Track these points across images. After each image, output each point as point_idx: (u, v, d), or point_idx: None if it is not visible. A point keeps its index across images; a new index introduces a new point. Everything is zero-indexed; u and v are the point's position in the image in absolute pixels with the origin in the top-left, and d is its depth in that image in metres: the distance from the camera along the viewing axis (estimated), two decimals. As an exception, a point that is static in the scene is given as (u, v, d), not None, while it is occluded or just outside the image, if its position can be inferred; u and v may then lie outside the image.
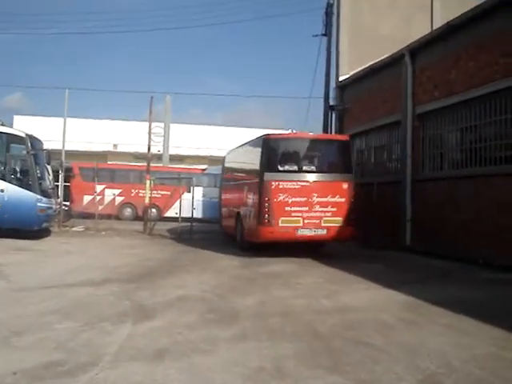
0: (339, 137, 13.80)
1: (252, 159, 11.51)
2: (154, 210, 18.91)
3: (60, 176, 17.19)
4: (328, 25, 16.72)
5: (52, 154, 14.15)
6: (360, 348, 4.35)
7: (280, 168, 10.66)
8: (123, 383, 3.50)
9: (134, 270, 8.51)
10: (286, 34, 77.48)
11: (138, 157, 26.82)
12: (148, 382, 3.52)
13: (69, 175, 20.64)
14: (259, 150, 10.93)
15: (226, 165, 15.37)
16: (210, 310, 5.65)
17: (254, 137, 11.95)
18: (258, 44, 78.39)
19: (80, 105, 50.89)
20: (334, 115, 16.74)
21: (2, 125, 13.26)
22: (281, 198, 10.34)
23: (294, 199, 10.37)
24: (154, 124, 17.46)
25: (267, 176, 10.47)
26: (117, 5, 71.70)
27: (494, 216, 9.47)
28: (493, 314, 5.58)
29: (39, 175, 12.71)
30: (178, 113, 62.56)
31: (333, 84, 16.77)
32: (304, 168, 10.85)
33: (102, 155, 29.48)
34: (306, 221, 10.37)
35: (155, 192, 18.40)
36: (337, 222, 10.50)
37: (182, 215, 16.81)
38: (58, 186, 16.09)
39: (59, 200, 15.95)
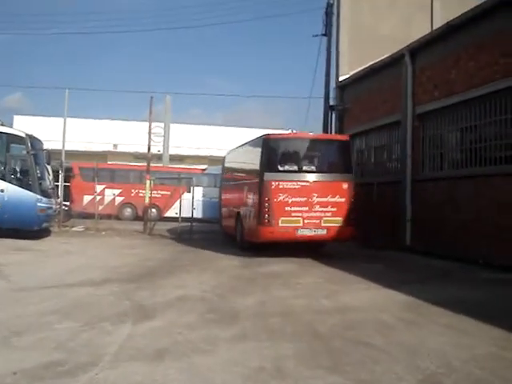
0: (339, 137, 13.79)
1: (252, 159, 11.50)
2: (153, 210, 18.91)
3: (60, 176, 17.18)
4: (328, 25, 16.71)
5: (52, 154, 14.15)
6: (360, 348, 4.35)
7: (280, 168, 10.66)
8: (123, 383, 3.50)
9: (134, 269, 8.51)
10: (286, 34, 77.54)
11: (138, 157, 26.82)
12: (148, 382, 3.52)
13: (69, 175, 20.64)
14: (259, 149, 10.93)
15: (226, 165, 15.37)
16: (210, 309, 5.65)
17: (254, 137, 11.94)
18: (257, 44, 78.45)
19: (80, 105, 50.95)
20: (334, 115, 16.73)
21: (2, 125, 13.25)
22: (281, 197, 10.33)
23: (293, 199, 10.36)
24: (153, 124, 17.45)
25: (267, 176, 10.47)
26: (117, 5, 71.76)
27: (494, 216, 9.47)
28: (493, 314, 5.58)
29: (39, 175, 12.71)
30: (178, 113, 62.68)
31: (333, 84, 16.77)
32: (304, 168, 10.85)
33: (102, 155, 29.47)
34: (306, 221, 10.37)
35: (155, 192, 18.41)
36: (337, 221, 10.50)
37: (182, 215, 16.82)
38: (58, 185, 16.06)
39: (59, 200, 15.94)
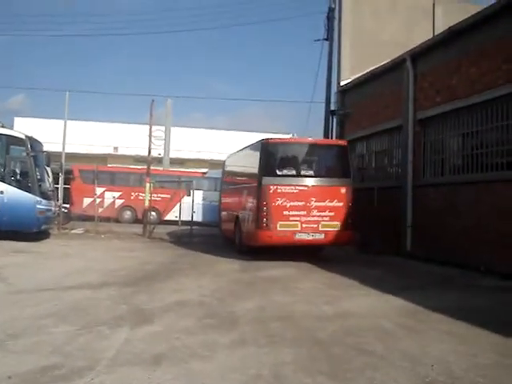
0: (337, 142, 13.85)
1: (251, 163, 11.52)
2: (153, 213, 18.88)
3: (60, 178, 17.16)
4: (330, 29, 16.72)
5: (52, 157, 14.14)
6: (360, 355, 4.30)
7: (278, 172, 10.69)
8: (119, 388, 3.46)
9: (132, 273, 8.47)
10: (287, 38, 77.72)
11: (138, 160, 26.73)
12: (144, 387, 3.47)
13: (69, 177, 20.63)
14: (258, 154, 10.96)
15: (226, 169, 15.39)
16: (208, 314, 5.60)
17: (254, 141, 11.94)
18: (259, 48, 78.57)
19: (81, 107, 51.01)
20: (334, 120, 16.71)
21: (2, 126, 13.24)
22: (279, 202, 10.36)
23: (292, 203, 10.39)
24: (154, 127, 17.46)
25: (265, 180, 10.49)
26: (119, 7, 71.93)
27: (495, 222, 9.42)
28: (493, 321, 5.53)
29: (39, 177, 12.69)
30: (178, 116, 62.59)
31: (334, 89, 16.76)
32: (302, 172, 10.88)
33: (103, 158, 29.44)
34: (303, 225, 10.40)
35: (155, 195, 18.38)
36: (334, 226, 10.53)
37: (181, 219, 16.79)
38: (57, 188, 16.04)
39: (59, 202, 15.91)
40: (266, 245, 10.57)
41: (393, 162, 13.90)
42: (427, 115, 11.84)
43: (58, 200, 15.73)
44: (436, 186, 11.59)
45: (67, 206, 20.00)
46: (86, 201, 20.39)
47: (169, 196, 19.16)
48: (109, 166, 27.19)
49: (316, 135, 16.90)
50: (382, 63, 13.78)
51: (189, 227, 15.68)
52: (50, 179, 14.09)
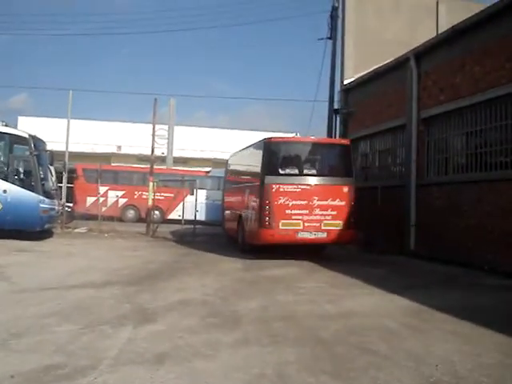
0: (340, 141, 13.85)
1: (253, 162, 11.55)
2: (156, 212, 18.88)
3: (64, 177, 17.17)
4: (333, 28, 16.69)
5: (56, 156, 14.14)
6: (363, 354, 4.29)
7: (281, 171, 10.70)
8: (122, 388, 3.45)
9: (135, 272, 8.46)
10: (288, 38, 77.61)
11: (141, 159, 26.80)
12: (147, 387, 3.47)
13: (72, 176, 20.65)
14: (260, 153, 10.98)
15: (229, 167, 15.40)
16: (211, 313, 5.59)
17: (257, 140, 11.93)
18: (259, 48, 78.53)
19: (84, 106, 51.11)
20: (338, 119, 16.68)
21: (6, 125, 13.25)
22: (281, 201, 10.38)
23: (294, 202, 10.41)
24: (158, 126, 17.45)
25: (268, 179, 10.50)
26: (119, 7, 71.97)
27: (499, 221, 9.39)
28: (498, 321, 5.51)
29: (42, 176, 12.70)
30: (182, 115, 62.68)
31: (337, 87, 16.75)
32: (305, 171, 10.89)
33: (106, 157, 29.49)
34: (306, 224, 10.42)
35: (158, 194, 18.38)
36: (337, 225, 10.55)
37: (185, 218, 16.79)
38: (61, 187, 16.06)
39: (62, 201, 15.93)
40: (268, 243, 10.58)
41: (396, 160, 13.87)
42: (431, 114, 11.80)
43: (61, 199, 15.73)
44: (440, 185, 11.56)
45: (70, 204, 20.02)
46: (90, 200, 20.42)
47: (172, 195, 19.19)
48: (112, 164, 27.24)
49: (319, 134, 16.91)
50: (386, 62, 13.75)
51: (192, 226, 15.68)
52: (54, 178, 14.10)
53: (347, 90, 16.44)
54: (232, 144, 22.81)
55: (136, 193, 21.67)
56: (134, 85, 70.56)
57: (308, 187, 10.59)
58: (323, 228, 10.48)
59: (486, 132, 10.17)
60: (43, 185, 12.63)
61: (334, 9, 16.65)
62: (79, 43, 77.20)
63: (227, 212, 14.71)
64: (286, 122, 71.47)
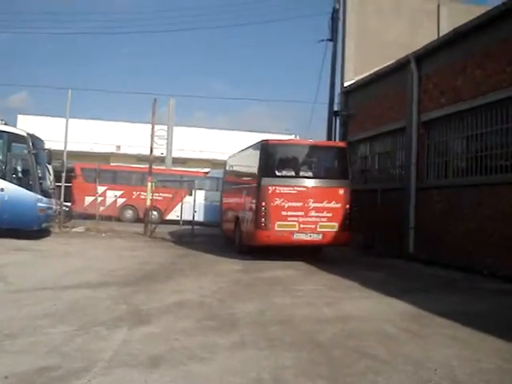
0: (337, 143, 13.98)
1: (251, 164, 11.58)
2: (155, 213, 18.82)
3: (62, 176, 17.12)
4: (334, 30, 16.65)
5: (55, 155, 14.10)
6: (362, 358, 4.23)
7: (277, 173, 10.73)
8: (116, 391, 3.39)
9: (132, 273, 8.41)
10: (292, 38, 77.67)
11: (141, 159, 26.78)
12: (142, 390, 3.41)
13: (71, 176, 20.59)
14: (257, 155, 11.00)
15: (228, 168, 15.37)
16: (208, 316, 5.53)
17: (256, 141, 11.91)
18: (263, 47, 78.58)
19: (83, 106, 51.05)
20: (338, 121, 16.64)
21: (5, 124, 13.20)
22: (277, 202, 10.42)
23: (290, 204, 10.47)
24: (157, 127, 17.42)
25: (264, 181, 10.54)
26: (119, 6, 71.97)
27: (499, 225, 9.35)
28: (497, 326, 5.46)
29: (40, 175, 12.65)
30: (181, 116, 62.71)
31: (338, 89, 16.71)
32: (301, 174, 10.93)
33: (105, 157, 29.46)
34: (301, 225, 10.47)
35: (157, 194, 18.33)
36: (332, 227, 10.60)
37: (183, 218, 16.74)
38: (59, 186, 16.00)
39: (60, 200, 15.87)
40: (264, 245, 10.62)
41: (396, 163, 13.82)
42: (431, 117, 11.77)
43: (59, 198, 15.67)
44: (439, 188, 11.52)
45: (69, 204, 19.95)
46: (88, 199, 20.38)
47: (170, 195, 19.12)
48: (111, 164, 27.20)
49: (319, 136, 16.87)
50: (386, 64, 13.72)
51: (190, 227, 15.62)
52: (51, 177, 14.05)
53: (347, 92, 16.40)
54: (231, 145, 22.77)
55: (134, 193, 21.63)
56: (133, 85, 70.57)
57: (304, 189, 10.64)
58: (319, 230, 10.53)
59: (487, 135, 10.13)
60: (41, 184, 12.59)
61: (335, 11, 16.61)
62: (79, 42, 77.14)
63: (225, 213, 14.71)
64: (286, 124, 71.58)
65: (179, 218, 17.31)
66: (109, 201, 21.27)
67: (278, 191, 10.45)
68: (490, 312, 6.38)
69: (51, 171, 14.04)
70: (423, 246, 11.69)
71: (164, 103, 29.40)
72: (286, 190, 10.50)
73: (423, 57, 12.20)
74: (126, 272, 8.42)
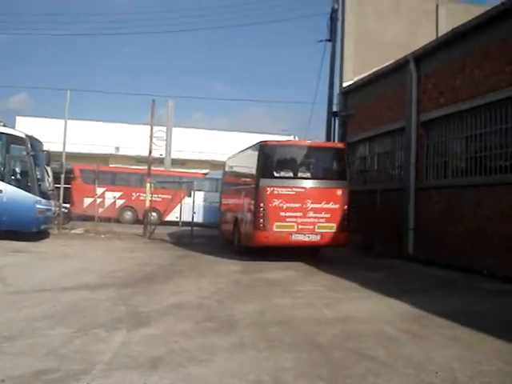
0: (335, 144, 14.00)
1: (249, 165, 11.58)
2: (154, 214, 18.80)
3: (61, 178, 17.10)
4: (333, 30, 16.63)
5: (54, 156, 14.07)
6: (361, 360, 4.21)
7: (276, 174, 10.76)
8: (115, 393, 3.37)
9: (132, 274, 8.38)
10: (291, 39, 77.68)
11: (140, 160, 26.76)
12: (141, 392, 3.39)
13: (69, 177, 20.56)
14: (256, 156, 11.00)
15: (227, 170, 15.36)
16: (207, 317, 5.51)
17: (255, 142, 11.90)
18: (262, 48, 78.59)
19: (82, 107, 51.05)
20: (337, 121, 16.62)
21: (4, 126, 13.16)
22: (276, 203, 10.44)
23: (288, 205, 10.49)
24: (156, 128, 17.40)
25: (263, 182, 10.56)
26: (119, 7, 71.95)
27: (498, 225, 9.34)
28: (497, 327, 5.45)
29: (39, 176, 12.61)
30: (180, 117, 62.68)
31: (337, 90, 16.70)
32: (299, 174, 10.96)
33: (104, 158, 29.42)
34: (300, 226, 10.50)
35: (156, 196, 18.31)
36: (330, 227, 10.62)
37: (182, 219, 16.72)
38: (58, 187, 15.97)
39: (59, 202, 15.84)
40: (262, 245, 10.63)
41: (395, 164, 13.81)
42: (430, 117, 11.76)
43: (58, 200, 15.64)
44: (439, 188, 11.51)
45: (67, 205, 19.92)
46: (87, 201, 20.37)
47: (170, 197, 19.10)
48: (110, 166, 27.17)
49: (318, 136, 16.85)
50: (386, 64, 13.71)
51: (189, 228, 15.60)
52: (50, 179, 14.01)
53: (346, 93, 16.39)
54: (230, 146, 22.73)
55: (133, 194, 21.61)
56: (133, 85, 70.57)
57: (302, 190, 10.66)
58: (317, 230, 10.55)
59: (486, 136, 10.12)
60: (40, 185, 12.55)
61: (334, 11, 16.60)
62: (79, 43, 77.14)
63: (224, 214, 14.68)
64: (285, 125, 71.47)
65: (178, 219, 17.28)
66: (108, 202, 21.25)
67: (276, 192, 10.47)
68: (489, 312, 6.37)
69: (50, 173, 14.00)
70: (422, 246, 11.68)
71: (163, 104, 29.41)
72: (284, 190, 10.51)
73: (422, 57, 12.19)
74: (125, 273, 8.40)
